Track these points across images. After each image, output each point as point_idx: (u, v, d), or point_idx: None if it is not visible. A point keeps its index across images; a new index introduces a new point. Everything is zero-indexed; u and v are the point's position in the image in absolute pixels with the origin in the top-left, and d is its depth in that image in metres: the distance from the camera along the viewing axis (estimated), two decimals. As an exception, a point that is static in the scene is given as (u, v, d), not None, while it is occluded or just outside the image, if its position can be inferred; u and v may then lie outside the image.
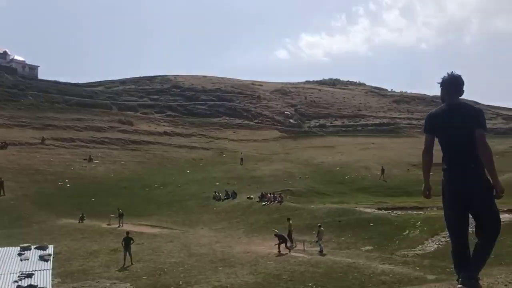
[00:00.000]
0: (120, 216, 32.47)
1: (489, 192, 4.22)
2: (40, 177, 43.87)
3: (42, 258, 13.85)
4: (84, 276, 18.98)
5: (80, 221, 32.96)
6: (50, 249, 14.76)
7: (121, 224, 31.71)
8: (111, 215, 33.07)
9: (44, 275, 12.88)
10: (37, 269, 13.09)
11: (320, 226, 24.83)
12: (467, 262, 4.23)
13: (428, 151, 4.39)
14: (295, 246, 24.27)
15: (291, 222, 26.55)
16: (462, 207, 4.23)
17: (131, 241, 21.82)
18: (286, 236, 24.09)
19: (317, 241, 24.14)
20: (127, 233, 23.11)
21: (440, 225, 26.56)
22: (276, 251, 22.59)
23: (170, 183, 46.74)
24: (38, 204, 37.41)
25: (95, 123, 67.42)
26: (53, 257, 14.46)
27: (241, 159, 56.38)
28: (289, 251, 22.83)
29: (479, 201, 4.19)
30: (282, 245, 23.13)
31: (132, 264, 20.95)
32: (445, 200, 4.33)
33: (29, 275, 12.65)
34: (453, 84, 4.34)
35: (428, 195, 4.44)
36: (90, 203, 38.55)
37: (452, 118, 4.24)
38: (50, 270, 13.38)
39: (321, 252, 22.95)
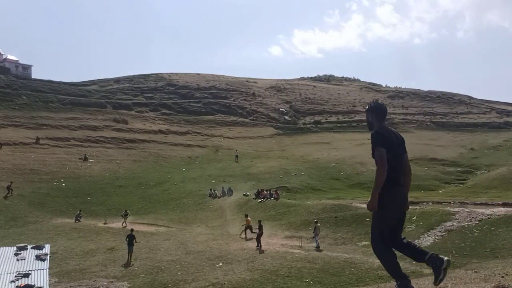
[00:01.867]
0: (125, 216, 32.27)
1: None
2: (35, 177, 43.72)
3: (38, 257, 13.82)
4: (81, 275, 18.95)
5: (77, 220, 32.88)
6: (47, 249, 14.73)
7: (125, 224, 31.43)
8: (122, 214, 32.80)
9: (41, 274, 12.86)
10: (33, 269, 13.06)
11: (316, 222, 24.96)
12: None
13: (386, 164, 4.49)
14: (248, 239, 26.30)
15: (248, 218, 28.29)
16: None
17: (134, 240, 22.12)
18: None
19: (313, 237, 24.25)
20: (132, 230, 23.66)
21: (436, 219, 26.75)
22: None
23: (166, 181, 46.72)
24: (33, 204, 37.32)
25: (89, 122, 67.19)
26: (49, 257, 14.43)
27: (236, 156, 56.38)
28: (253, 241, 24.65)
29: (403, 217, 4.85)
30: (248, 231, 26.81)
31: (131, 262, 21.09)
32: (389, 212, 4.57)
33: (26, 275, 12.62)
34: (383, 111, 4.80)
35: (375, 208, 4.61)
36: (85, 202, 38.49)
37: (394, 139, 4.67)
38: (47, 270, 13.36)
39: (317, 248, 23.04)
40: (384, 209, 4.51)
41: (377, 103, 4.90)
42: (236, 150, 58.89)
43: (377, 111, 4.79)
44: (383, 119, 4.78)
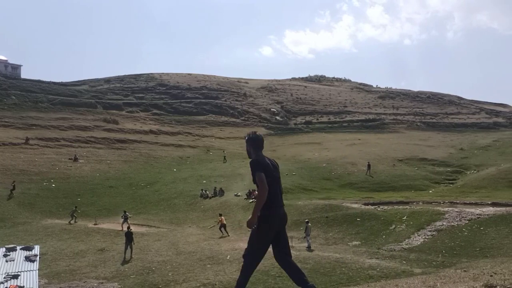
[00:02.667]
0: (125, 218, 31.08)
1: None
2: (24, 178, 43.33)
3: (28, 259, 13.69)
4: (71, 276, 18.85)
5: (72, 217, 32.63)
6: (36, 250, 14.59)
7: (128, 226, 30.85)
8: (122, 216, 32.00)
9: (30, 276, 12.74)
10: (23, 270, 12.94)
11: (307, 222, 25.03)
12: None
13: (266, 187, 4.99)
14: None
15: (222, 217, 29.56)
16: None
17: (133, 239, 22.70)
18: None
19: (305, 237, 24.31)
20: (128, 227, 24.27)
21: (426, 219, 26.95)
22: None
23: (157, 182, 46.55)
24: (22, 205, 37.01)
25: (80, 122, 66.73)
26: (39, 258, 14.31)
27: (224, 157, 56.41)
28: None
29: (283, 232, 5.36)
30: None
31: (131, 257, 21.63)
32: (266, 233, 5.10)
33: (15, 276, 12.50)
34: (260, 141, 5.33)
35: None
36: (75, 203, 38.20)
37: (270, 165, 5.23)
38: (37, 271, 13.24)
39: (309, 248, 23.10)
40: (262, 228, 5.02)
41: (254, 134, 5.39)
42: (224, 151, 58.74)
43: (254, 142, 5.29)
44: (260, 148, 5.29)
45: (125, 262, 21.04)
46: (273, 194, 5.08)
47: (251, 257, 5.17)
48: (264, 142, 5.40)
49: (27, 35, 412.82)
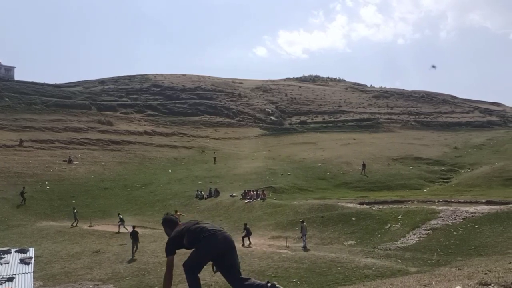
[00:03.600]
0: (121, 221, 30.48)
1: None
2: (18, 180, 43.10)
3: (23, 261, 13.61)
4: (66, 279, 18.77)
5: (74, 224, 32.50)
6: (31, 252, 14.51)
7: (125, 229, 29.69)
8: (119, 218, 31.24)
9: (25, 278, 12.67)
10: (18, 273, 12.87)
11: (303, 222, 25.07)
12: None
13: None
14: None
15: (178, 212, 29.59)
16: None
17: (138, 238, 23.26)
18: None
19: (301, 237, 24.34)
20: (134, 227, 24.64)
21: (421, 218, 27.06)
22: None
23: (152, 183, 46.45)
24: (17, 207, 36.86)
25: (74, 124, 66.50)
26: (34, 260, 14.23)
27: (214, 158, 56.24)
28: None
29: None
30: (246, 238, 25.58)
31: (133, 256, 22.06)
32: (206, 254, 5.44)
33: (10, 279, 12.44)
34: (170, 220, 5.67)
35: None
36: (70, 205, 38.03)
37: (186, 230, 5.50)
38: (32, 274, 13.16)
39: (305, 248, 23.12)
40: (199, 252, 5.40)
41: (164, 216, 5.79)
42: (215, 152, 58.34)
43: (166, 223, 5.64)
44: (173, 227, 5.62)
45: (132, 260, 21.33)
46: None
47: (191, 271, 5.59)
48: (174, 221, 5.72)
49: (20, 37, 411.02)
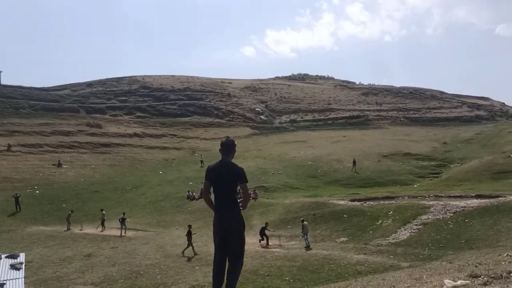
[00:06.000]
0: (122, 221, 29.75)
1: (241, 229, 5.86)
2: (7, 185, 42.70)
3: (13, 266, 13.48)
4: (58, 283, 18.62)
5: (69, 223, 32.25)
6: (22, 257, 14.38)
7: (125, 233, 29.54)
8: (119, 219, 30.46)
9: (16, 284, 12.56)
10: (8, 278, 12.75)
11: (303, 221, 24.88)
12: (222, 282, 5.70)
13: (205, 192, 6.13)
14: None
15: (103, 211, 31.89)
16: (223, 239, 5.75)
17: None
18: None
19: (303, 236, 24.17)
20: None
21: (412, 213, 27.22)
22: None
23: (143, 185, 46.25)
24: (6, 213, 36.49)
25: (62, 128, 65.98)
26: (25, 265, 14.10)
27: (201, 161, 54.29)
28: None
29: (232, 237, 5.74)
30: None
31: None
32: (214, 234, 5.84)
33: (1, 285, 12.33)
34: (228, 146, 5.89)
35: None
36: (61, 209, 37.80)
37: (223, 173, 5.78)
38: (23, 279, 13.05)
39: (308, 247, 22.88)
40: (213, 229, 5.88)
41: (227, 139, 6.05)
42: (201, 155, 57.53)
43: (223, 146, 5.91)
44: (228, 153, 5.92)
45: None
46: (216, 200, 5.84)
47: (215, 250, 5.77)
48: (232, 147, 5.91)
49: (5, 41, 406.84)
